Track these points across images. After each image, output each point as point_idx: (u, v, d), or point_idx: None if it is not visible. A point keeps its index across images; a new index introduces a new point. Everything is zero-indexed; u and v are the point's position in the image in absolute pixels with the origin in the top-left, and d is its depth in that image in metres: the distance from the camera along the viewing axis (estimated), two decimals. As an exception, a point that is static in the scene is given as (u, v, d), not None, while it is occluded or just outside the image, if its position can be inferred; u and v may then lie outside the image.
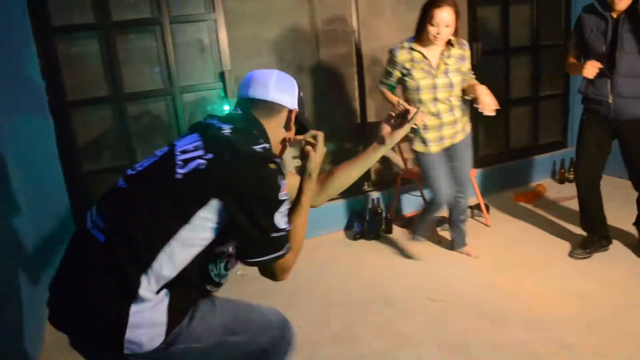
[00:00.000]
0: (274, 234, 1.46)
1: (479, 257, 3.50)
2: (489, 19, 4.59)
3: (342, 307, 2.97)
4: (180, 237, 1.40)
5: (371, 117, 4.24)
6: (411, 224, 3.74)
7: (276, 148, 1.66)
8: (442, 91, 3.10)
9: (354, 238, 3.94)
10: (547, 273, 3.25)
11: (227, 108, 3.69)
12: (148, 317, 1.39)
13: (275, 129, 1.63)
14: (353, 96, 4.17)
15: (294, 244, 1.56)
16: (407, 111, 1.81)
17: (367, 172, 4.26)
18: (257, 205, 1.42)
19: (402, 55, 3.11)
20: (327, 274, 3.44)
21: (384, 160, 4.45)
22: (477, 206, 4.13)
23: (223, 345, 1.53)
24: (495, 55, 4.61)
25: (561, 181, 4.85)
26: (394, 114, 1.83)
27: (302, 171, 1.67)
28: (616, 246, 3.51)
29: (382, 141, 1.82)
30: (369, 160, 1.84)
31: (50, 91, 3.24)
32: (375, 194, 4.20)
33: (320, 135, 1.68)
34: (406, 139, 2.67)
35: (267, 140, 1.57)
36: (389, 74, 3.21)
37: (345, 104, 4.24)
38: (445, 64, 3.10)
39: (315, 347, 2.63)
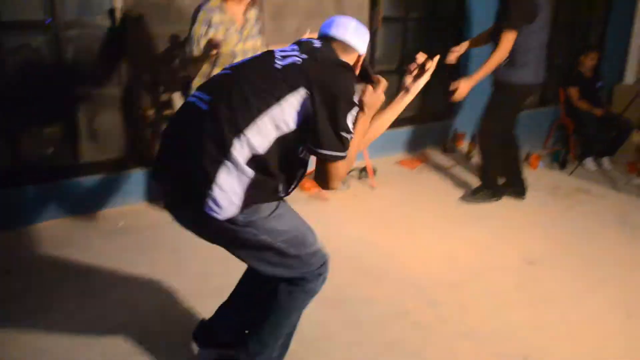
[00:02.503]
0: (343, 133, 1.69)
1: None
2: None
3: (224, 262, 2.98)
4: (271, 113, 1.64)
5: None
6: None
7: None
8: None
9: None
10: (422, 234, 3.48)
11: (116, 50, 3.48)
12: (231, 184, 1.62)
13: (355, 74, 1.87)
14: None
15: (350, 154, 1.77)
16: (424, 62, 1.98)
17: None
18: (337, 101, 1.67)
19: (216, 16, 2.77)
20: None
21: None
22: (364, 168, 4.29)
23: (280, 249, 1.78)
24: (395, 23, 4.72)
25: (444, 149, 5.14)
26: (413, 67, 1.99)
27: (359, 105, 1.82)
28: (489, 211, 3.85)
29: (407, 90, 2.00)
30: (398, 108, 2.01)
31: None
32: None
33: (383, 82, 1.88)
34: None
35: None
36: (201, 36, 2.79)
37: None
38: (248, 27, 2.90)
39: (197, 300, 2.63)
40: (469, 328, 2.54)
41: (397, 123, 5.35)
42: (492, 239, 3.47)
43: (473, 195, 4.03)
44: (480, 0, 5.01)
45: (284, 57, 1.75)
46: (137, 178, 3.69)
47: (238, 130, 1.62)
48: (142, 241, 3.22)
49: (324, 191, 3.95)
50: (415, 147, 5.09)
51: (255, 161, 1.64)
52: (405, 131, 5.01)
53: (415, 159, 4.81)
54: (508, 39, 3.53)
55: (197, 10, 2.79)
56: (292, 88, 1.66)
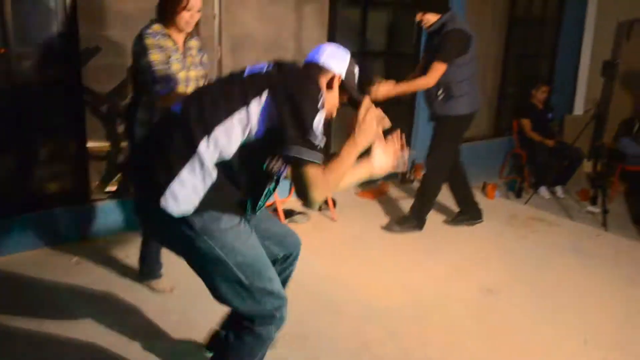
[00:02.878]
0: (310, 137, 1.66)
1: (173, 291, 3.01)
2: (349, 22, 4.77)
3: (182, 299, 2.92)
4: (238, 116, 1.68)
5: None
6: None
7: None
8: (192, 86, 2.78)
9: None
10: (383, 266, 3.48)
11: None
12: (193, 182, 1.67)
13: (322, 87, 1.86)
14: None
15: (331, 174, 1.76)
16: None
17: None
18: (299, 102, 1.66)
19: (161, 40, 2.68)
20: (168, 265, 3.33)
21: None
22: (325, 201, 4.29)
23: (232, 271, 1.74)
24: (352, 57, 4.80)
25: (403, 181, 5.20)
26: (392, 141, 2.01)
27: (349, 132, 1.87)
28: (448, 242, 3.88)
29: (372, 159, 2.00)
30: (359, 173, 2.01)
31: None
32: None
33: (366, 101, 1.90)
34: None
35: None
36: (163, 62, 2.67)
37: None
38: (190, 55, 2.84)
39: (155, 338, 2.55)
40: (430, 360, 2.53)
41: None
42: (451, 269, 3.49)
43: (400, 224, 4.07)
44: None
45: (251, 69, 1.83)
46: (91, 212, 3.59)
47: (206, 128, 1.67)
48: (97, 277, 3.11)
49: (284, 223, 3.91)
50: (374, 178, 5.12)
51: (221, 165, 1.69)
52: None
53: (374, 190, 4.84)
54: (438, 70, 3.68)
55: (141, 38, 2.68)
56: (257, 92, 1.70)
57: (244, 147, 1.69)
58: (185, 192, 1.65)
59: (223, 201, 1.71)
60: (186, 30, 2.78)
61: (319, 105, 1.70)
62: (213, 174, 1.67)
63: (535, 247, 3.93)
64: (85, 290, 2.97)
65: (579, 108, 6.75)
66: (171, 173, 1.66)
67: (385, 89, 3.61)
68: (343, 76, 1.90)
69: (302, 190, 1.72)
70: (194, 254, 1.75)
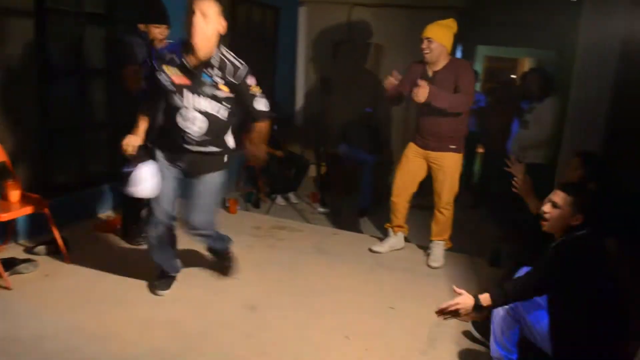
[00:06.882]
0: None
1: None
2: (59, 36, 4.22)
3: (58, 323, 2.17)
4: None
5: None
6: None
7: None
8: None
9: None
10: (133, 304, 3.14)
11: None
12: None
13: None
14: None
15: None
16: None
17: None
18: None
19: None
20: None
21: None
22: (53, 241, 3.67)
23: None
24: (67, 77, 4.27)
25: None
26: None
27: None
28: (196, 267, 3.70)
29: None
30: None
31: None
32: None
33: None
34: None
35: None
36: None
37: None
38: None
39: None
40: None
41: (83, 184, 4.80)
42: (208, 292, 3.34)
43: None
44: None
45: None
46: None
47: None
48: None
49: (5, 277, 3.22)
50: (108, 207, 4.65)
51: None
52: (93, 191, 4.54)
53: (110, 221, 4.35)
54: None
55: None
56: None
57: None
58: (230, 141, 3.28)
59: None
60: None
61: None
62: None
63: (284, 254, 4.05)
64: None
65: (299, 119, 7.30)
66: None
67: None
68: None
69: None
70: None
